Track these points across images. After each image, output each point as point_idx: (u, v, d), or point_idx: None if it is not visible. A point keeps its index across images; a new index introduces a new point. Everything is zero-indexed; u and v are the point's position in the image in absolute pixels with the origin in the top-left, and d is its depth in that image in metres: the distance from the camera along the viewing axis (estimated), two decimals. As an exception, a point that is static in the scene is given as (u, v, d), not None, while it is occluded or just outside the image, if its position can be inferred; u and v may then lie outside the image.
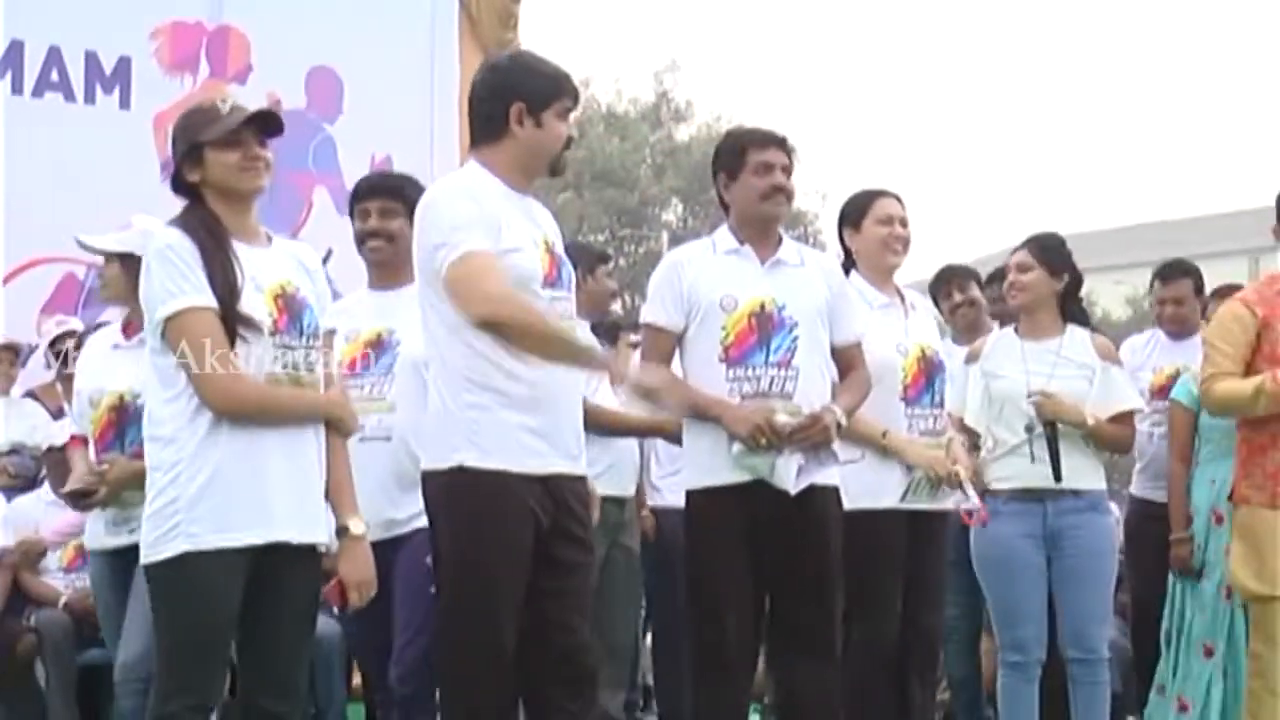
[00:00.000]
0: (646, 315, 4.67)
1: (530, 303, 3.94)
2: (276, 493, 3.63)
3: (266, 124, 3.78)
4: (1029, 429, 5.33)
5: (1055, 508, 5.31)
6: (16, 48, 7.74)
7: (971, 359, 5.58)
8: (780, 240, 4.73)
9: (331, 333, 3.98)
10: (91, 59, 7.96)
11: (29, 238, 7.54)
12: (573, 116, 4.23)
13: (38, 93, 7.82)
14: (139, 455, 4.07)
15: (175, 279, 3.60)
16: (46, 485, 6.26)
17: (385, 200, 4.84)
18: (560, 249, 4.19)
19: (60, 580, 6.28)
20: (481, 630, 3.95)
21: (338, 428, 3.83)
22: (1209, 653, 5.62)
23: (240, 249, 3.70)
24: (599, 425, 5.14)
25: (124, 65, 8.03)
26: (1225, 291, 6.13)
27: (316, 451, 3.75)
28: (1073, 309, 5.55)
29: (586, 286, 5.63)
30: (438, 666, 4.14)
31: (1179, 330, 6.31)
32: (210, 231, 3.66)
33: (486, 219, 3.93)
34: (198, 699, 3.63)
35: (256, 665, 3.75)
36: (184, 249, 3.62)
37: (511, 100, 4.07)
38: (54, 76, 7.86)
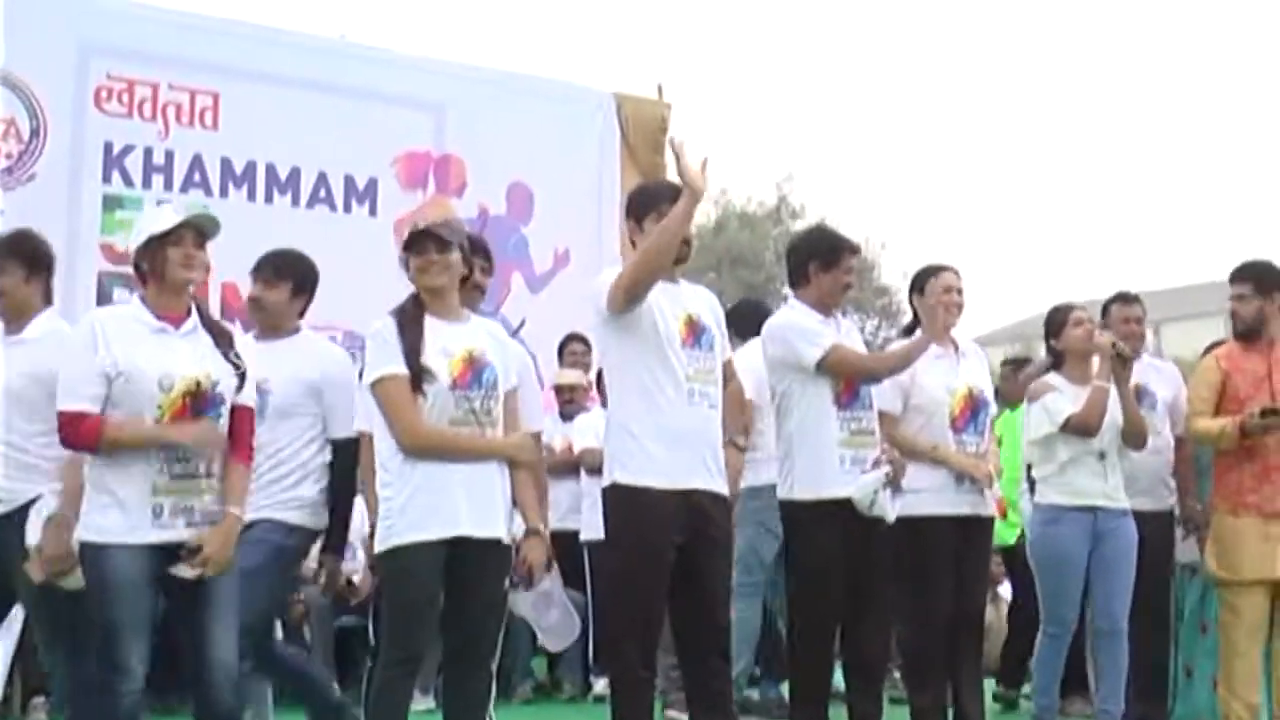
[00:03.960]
0: (812, 352, 4.59)
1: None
2: (459, 502, 3.68)
3: (439, 235, 3.85)
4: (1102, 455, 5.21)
5: (1102, 515, 5.17)
6: (295, 172, 8.02)
7: (1032, 398, 5.33)
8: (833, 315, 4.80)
9: (515, 389, 3.97)
10: (349, 180, 8.22)
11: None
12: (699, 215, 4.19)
13: (310, 205, 8.09)
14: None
15: (379, 354, 3.76)
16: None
17: (270, 273, 4.58)
18: (707, 319, 4.19)
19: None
20: (627, 606, 4.07)
21: (516, 463, 3.87)
22: (1205, 629, 5.64)
23: (437, 324, 3.80)
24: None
25: (372, 184, 8.27)
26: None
27: (498, 474, 3.80)
28: None
29: None
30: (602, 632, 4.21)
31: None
32: (408, 314, 3.80)
33: (649, 308, 4.03)
34: (408, 652, 3.73)
35: (458, 637, 3.79)
36: (388, 331, 3.77)
37: (628, 219, 4.29)
38: (322, 194, 8.13)
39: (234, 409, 3.79)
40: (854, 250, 4.82)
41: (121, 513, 3.62)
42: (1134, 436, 5.26)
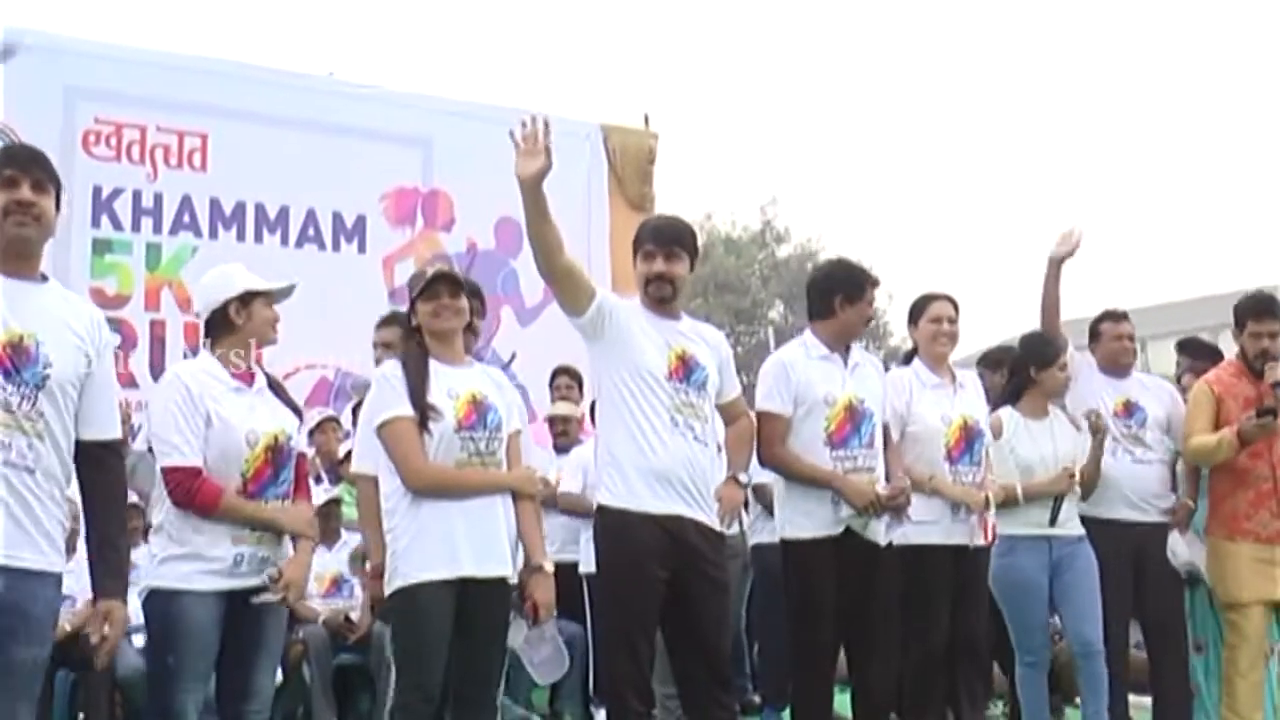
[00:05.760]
0: (764, 404, 4.61)
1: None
2: (461, 543, 3.71)
3: (455, 280, 3.94)
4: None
5: (1057, 543, 5.16)
6: (284, 211, 7.96)
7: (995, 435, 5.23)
8: (849, 345, 4.78)
9: (518, 432, 4.00)
10: (338, 218, 8.15)
11: (294, 351, 7.53)
12: (703, 249, 4.26)
13: (299, 244, 8.03)
14: (288, 496, 3.84)
15: (386, 397, 3.80)
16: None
17: (41, 174, 3.05)
18: (704, 359, 4.19)
19: (319, 603, 6.27)
20: (617, 628, 4.07)
21: (521, 495, 3.91)
22: (1199, 648, 5.57)
23: (442, 369, 3.85)
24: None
25: (361, 221, 8.21)
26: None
27: (503, 510, 3.82)
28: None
29: None
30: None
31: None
32: (413, 359, 3.86)
33: (625, 330, 4.09)
34: (424, 692, 3.70)
35: (463, 675, 3.77)
36: (394, 375, 3.82)
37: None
38: (311, 231, 8.07)
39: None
40: (875, 283, 4.86)
41: (203, 562, 3.66)
42: (1087, 491, 5.30)
